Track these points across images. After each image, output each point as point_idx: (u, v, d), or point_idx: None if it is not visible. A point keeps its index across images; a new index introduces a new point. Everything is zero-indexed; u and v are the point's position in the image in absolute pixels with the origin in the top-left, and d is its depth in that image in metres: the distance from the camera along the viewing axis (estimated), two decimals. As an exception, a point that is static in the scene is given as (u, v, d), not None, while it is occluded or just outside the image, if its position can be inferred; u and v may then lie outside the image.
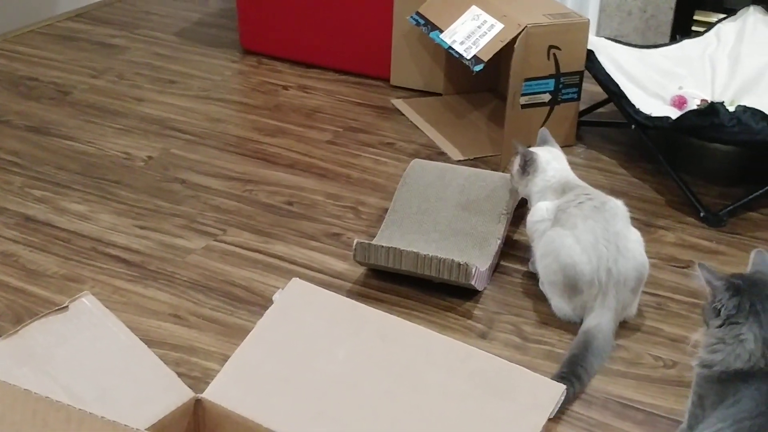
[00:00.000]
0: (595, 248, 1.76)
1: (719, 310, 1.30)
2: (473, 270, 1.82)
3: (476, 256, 1.95)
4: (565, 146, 2.52)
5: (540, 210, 1.90)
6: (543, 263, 1.84)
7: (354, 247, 1.89)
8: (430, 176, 2.12)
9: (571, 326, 1.81)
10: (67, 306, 1.31)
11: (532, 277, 1.93)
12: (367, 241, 1.90)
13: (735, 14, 2.74)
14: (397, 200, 2.08)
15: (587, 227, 1.78)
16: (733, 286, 1.30)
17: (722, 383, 1.28)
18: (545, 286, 1.86)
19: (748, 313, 1.28)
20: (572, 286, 1.77)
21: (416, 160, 2.20)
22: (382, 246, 1.88)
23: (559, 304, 1.82)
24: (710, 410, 1.28)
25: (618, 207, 1.84)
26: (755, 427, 1.19)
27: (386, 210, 2.09)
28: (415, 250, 1.85)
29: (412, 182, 2.11)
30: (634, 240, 1.81)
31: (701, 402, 1.31)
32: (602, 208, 1.81)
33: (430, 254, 1.84)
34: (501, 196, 2.03)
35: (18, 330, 1.25)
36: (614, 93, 2.44)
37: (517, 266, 2.01)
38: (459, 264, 1.82)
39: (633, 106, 2.38)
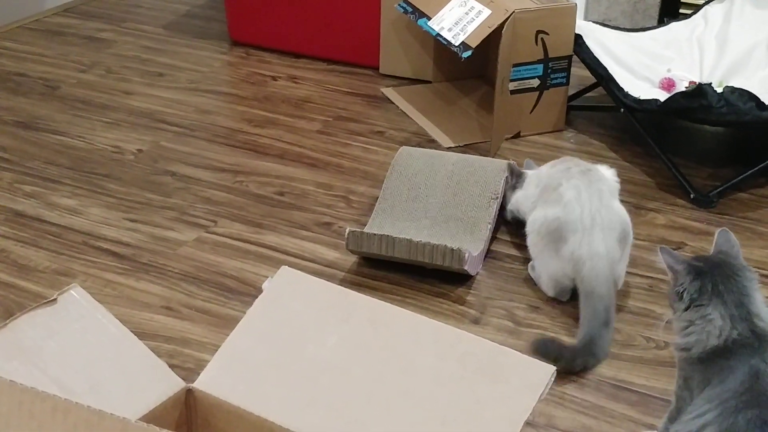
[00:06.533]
0: (578, 200, 1.81)
1: (682, 294, 1.31)
2: (466, 255, 1.82)
3: (468, 242, 1.95)
4: (554, 131, 2.55)
5: (530, 180, 1.99)
6: (531, 228, 1.87)
7: (346, 236, 1.89)
8: (419, 163, 2.11)
9: (563, 310, 1.81)
10: (55, 299, 1.30)
11: (524, 261, 1.93)
12: (359, 230, 1.90)
13: (722, -4, 2.74)
14: (387, 188, 2.08)
15: (571, 185, 1.84)
16: (695, 270, 1.32)
17: (703, 363, 1.28)
18: (534, 262, 1.88)
19: (711, 295, 1.29)
20: (557, 237, 1.79)
21: (404, 147, 2.20)
22: (375, 234, 1.88)
23: (545, 277, 1.85)
24: (697, 391, 1.28)
25: (605, 177, 1.91)
26: (740, 405, 1.19)
27: (377, 198, 2.09)
28: (407, 237, 1.86)
29: (400, 170, 2.11)
30: (616, 202, 1.87)
31: (687, 384, 1.31)
32: (588, 173, 1.88)
33: (423, 240, 1.84)
34: (490, 181, 2.03)
35: (6, 323, 1.25)
36: (603, 77, 2.44)
37: (509, 251, 2.01)
38: (452, 249, 1.82)
39: (622, 89, 2.37)
